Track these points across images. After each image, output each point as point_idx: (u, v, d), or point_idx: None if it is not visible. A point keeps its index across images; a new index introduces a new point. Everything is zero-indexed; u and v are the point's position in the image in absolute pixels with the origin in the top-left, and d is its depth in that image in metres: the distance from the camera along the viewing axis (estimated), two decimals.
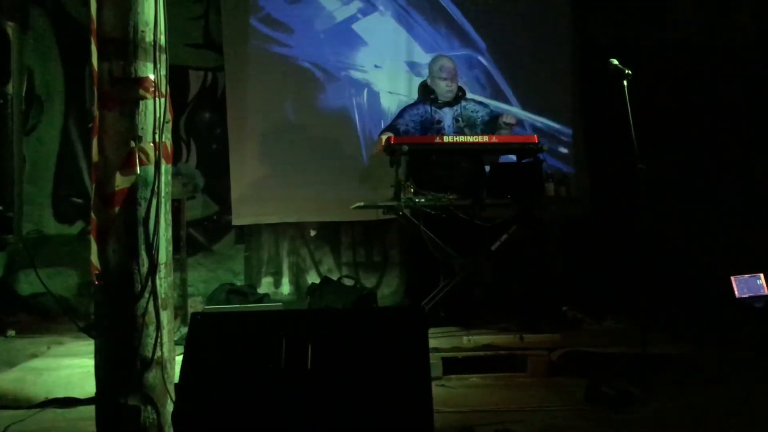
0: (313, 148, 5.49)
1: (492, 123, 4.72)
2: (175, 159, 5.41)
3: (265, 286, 5.55)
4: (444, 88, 4.70)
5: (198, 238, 5.57)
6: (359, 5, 5.62)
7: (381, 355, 2.41)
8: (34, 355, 3.99)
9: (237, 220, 5.50)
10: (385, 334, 2.48)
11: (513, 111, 5.55)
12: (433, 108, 4.71)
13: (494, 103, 5.47)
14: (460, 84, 4.84)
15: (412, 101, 4.94)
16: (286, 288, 5.60)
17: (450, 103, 4.74)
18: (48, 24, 5.50)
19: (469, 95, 4.91)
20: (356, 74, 5.61)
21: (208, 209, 5.62)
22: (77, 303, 5.29)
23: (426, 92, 4.79)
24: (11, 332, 4.69)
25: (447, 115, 4.71)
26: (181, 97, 5.53)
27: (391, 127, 4.73)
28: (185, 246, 4.86)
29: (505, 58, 5.73)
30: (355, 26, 5.63)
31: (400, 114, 4.80)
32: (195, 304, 5.31)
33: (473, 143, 4.41)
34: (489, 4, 5.75)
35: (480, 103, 4.91)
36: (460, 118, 4.70)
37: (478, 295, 4.68)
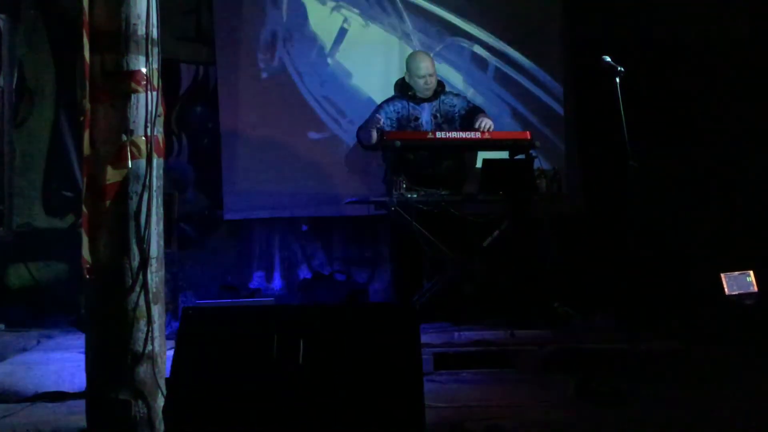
0: (305, 143, 5.47)
1: (468, 116, 4.69)
2: (167, 153, 5.36)
3: (257, 280, 5.54)
4: (422, 86, 4.67)
5: (189, 232, 5.55)
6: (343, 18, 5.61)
7: (373, 350, 2.41)
8: (24, 349, 3.97)
9: (229, 215, 5.48)
10: (377, 330, 2.48)
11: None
12: (411, 104, 4.69)
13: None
14: (440, 78, 4.84)
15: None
16: (277, 283, 5.59)
17: (428, 99, 4.71)
18: (39, 15, 5.45)
19: (448, 89, 4.89)
20: (349, 69, 5.60)
21: (200, 204, 5.59)
22: (68, 297, 5.24)
23: (403, 89, 4.77)
24: (0, 326, 4.67)
25: (425, 111, 4.69)
26: (173, 91, 5.49)
27: (368, 122, 4.67)
28: (176, 240, 4.83)
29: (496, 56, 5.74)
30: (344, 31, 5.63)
31: (378, 109, 4.74)
32: (186, 299, 5.31)
33: (465, 139, 4.42)
34: (479, 3, 5.74)
35: (457, 95, 4.89)
36: (438, 114, 4.68)
37: (469, 291, 4.69)
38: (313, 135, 5.51)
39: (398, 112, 4.67)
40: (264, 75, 5.53)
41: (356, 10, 5.59)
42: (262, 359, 2.39)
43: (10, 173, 2.97)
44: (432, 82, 4.68)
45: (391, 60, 5.55)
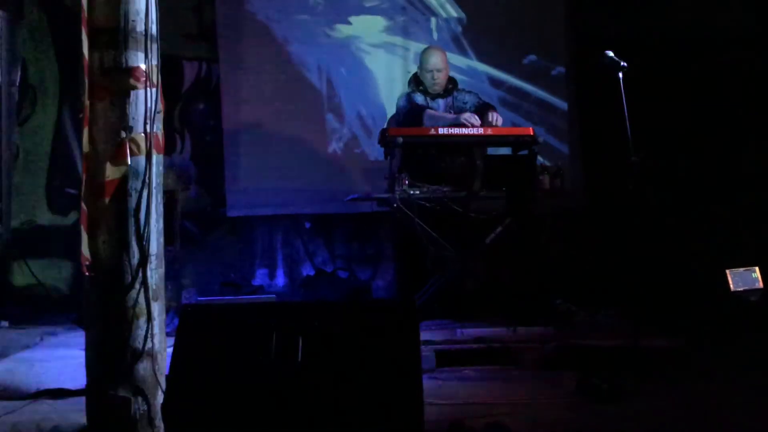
0: (307, 140, 5.47)
1: (478, 113, 4.62)
2: (170, 150, 5.39)
3: (260, 278, 5.54)
4: (429, 80, 4.64)
5: (192, 229, 5.56)
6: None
7: (371, 347, 2.40)
8: (27, 347, 3.97)
9: (231, 212, 5.49)
10: (376, 326, 2.47)
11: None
12: (427, 99, 4.68)
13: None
14: (452, 75, 4.80)
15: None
16: (280, 280, 5.59)
17: (442, 95, 4.69)
18: (42, 13, 5.46)
19: (461, 86, 4.85)
20: (352, 64, 5.60)
21: (202, 201, 5.60)
22: (71, 294, 5.26)
23: (416, 83, 4.75)
24: (4, 323, 4.68)
25: (440, 107, 4.66)
26: (176, 88, 5.51)
27: (412, 112, 4.59)
28: (179, 238, 4.84)
29: (499, 50, 5.71)
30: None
31: (410, 97, 4.66)
32: (189, 296, 5.31)
33: (468, 135, 4.39)
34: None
35: (470, 92, 4.84)
36: (452, 110, 4.64)
37: (471, 287, 4.66)
38: (316, 132, 5.50)
39: (419, 104, 4.64)
40: (267, 72, 5.52)
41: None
42: (261, 356, 2.39)
43: (9, 171, 2.97)
44: (440, 78, 4.63)
45: (397, 57, 5.57)
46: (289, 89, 5.52)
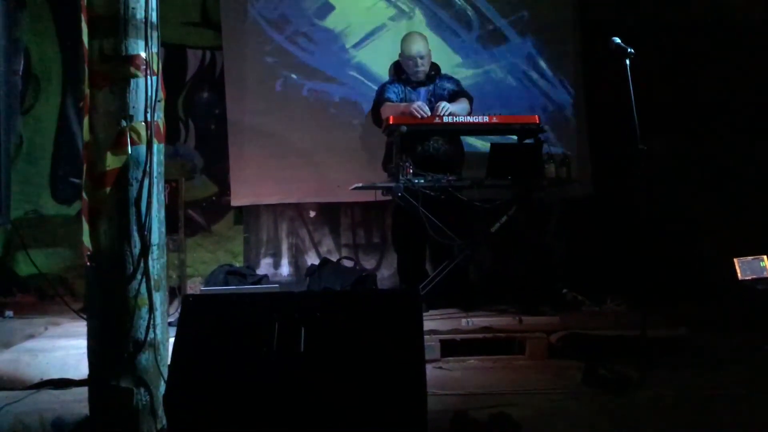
0: (312, 129, 5.43)
1: (451, 100, 4.52)
2: (174, 139, 5.37)
3: (265, 267, 5.52)
4: (411, 67, 4.58)
5: (197, 219, 5.54)
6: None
7: (375, 337, 2.39)
8: (31, 336, 3.97)
9: (236, 201, 5.46)
10: (379, 316, 2.46)
11: None
12: (408, 89, 4.61)
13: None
14: (434, 61, 4.73)
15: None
16: (285, 269, 5.57)
17: (424, 83, 4.62)
18: (44, 1, 5.44)
19: (443, 72, 4.78)
20: (356, 54, 5.55)
21: (207, 190, 5.58)
22: (76, 284, 5.26)
23: (398, 72, 4.69)
24: (9, 313, 4.69)
25: (421, 95, 4.58)
26: (180, 77, 5.46)
27: (381, 104, 4.58)
28: (184, 227, 4.82)
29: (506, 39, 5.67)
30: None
31: (385, 90, 4.62)
32: (195, 285, 5.31)
33: (473, 123, 4.36)
34: None
35: (450, 78, 4.77)
36: (433, 98, 4.55)
37: (476, 277, 4.63)
38: (320, 120, 5.46)
39: (397, 95, 4.59)
40: (270, 59, 5.47)
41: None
42: (263, 347, 2.37)
43: (8, 159, 2.95)
44: (422, 65, 4.57)
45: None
46: (294, 77, 5.47)
